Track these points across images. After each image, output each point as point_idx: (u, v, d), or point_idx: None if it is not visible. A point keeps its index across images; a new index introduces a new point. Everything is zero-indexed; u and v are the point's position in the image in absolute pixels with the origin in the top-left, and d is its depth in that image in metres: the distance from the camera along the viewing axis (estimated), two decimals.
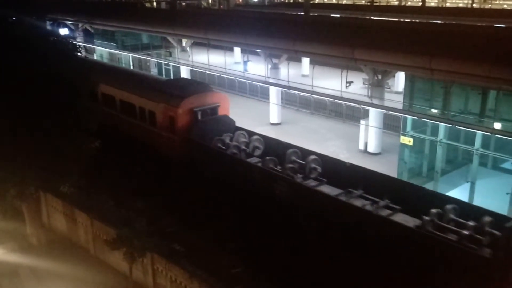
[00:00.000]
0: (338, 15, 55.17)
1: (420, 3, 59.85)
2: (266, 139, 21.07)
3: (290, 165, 18.11)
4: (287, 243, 16.54)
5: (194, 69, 39.21)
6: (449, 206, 14.04)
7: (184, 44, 41.59)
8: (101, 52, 50.84)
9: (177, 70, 42.84)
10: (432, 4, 76.49)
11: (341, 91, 28.22)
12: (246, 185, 18.66)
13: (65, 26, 51.07)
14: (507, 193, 21.00)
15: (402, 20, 45.62)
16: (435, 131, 25.06)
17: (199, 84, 24.85)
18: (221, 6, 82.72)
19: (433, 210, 13.87)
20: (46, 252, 21.11)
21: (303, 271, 15.41)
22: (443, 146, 24.41)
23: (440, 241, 13.12)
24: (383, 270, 13.85)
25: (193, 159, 21.09)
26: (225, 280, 15.83)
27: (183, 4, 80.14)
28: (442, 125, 23.97)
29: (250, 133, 21.57)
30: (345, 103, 30.88)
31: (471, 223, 13.35)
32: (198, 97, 21.90)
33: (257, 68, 35.82)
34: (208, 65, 36.95)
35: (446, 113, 23.43)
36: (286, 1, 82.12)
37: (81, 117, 19.74)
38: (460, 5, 75.01)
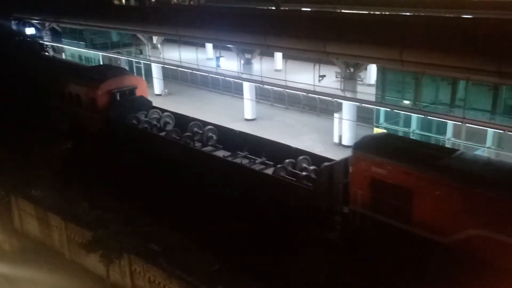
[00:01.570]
0: (309, 9, 55.39)
1: None
2: (176, 115, 24.90)
3: (187, 134, 22.09)
4: (188, 200, 19.36)
5: (165, 66, 38.82)
6: (300, 157, 18.50)
7: (154, 41, 41.09)
8: (70, 51, 49.85)
9: (148, 68, 42.32)
10: None
11: (314, 85, 28.34)
12: (155, 154, 21.65)
13: (31, 25, 49.96)
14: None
15: (372, 12, 46.06)
16: (407, 122, 25.46)
17: (118, 69, 29.53)
18: (191, 2, 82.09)
19: (286, 160, 18.31)
20: (20, 258, 20.64)
21: (203, 215, 18.54)
22: (416, 137, 24.80)
23: (284, 181, 17.46)
24: (259, 208, 17.89)
25: (112, 134, 24.03)
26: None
27: (153, 0, 79.20)
28: (414, 116, 24.36)
29: (163, 111, 25.34)
30: (318, 97, 31.04)
31: (311, 167, 18.22)
32: (116, 80, 25.03)
33: (230, 63, 35.66)
34: (180, 61, 36.61)
35: (417, 104, 23.80)
36: None
37: (51, 117, 19.37)
38: None
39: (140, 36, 41.28)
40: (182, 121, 23.97)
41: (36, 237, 21.93)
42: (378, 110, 26.18)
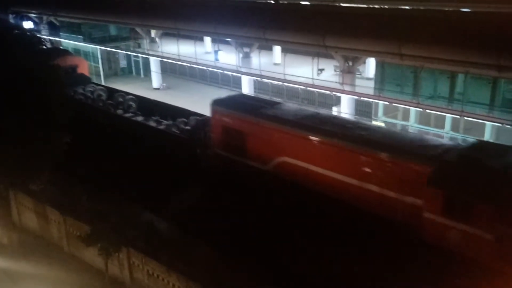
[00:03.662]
0: (308, 3, 55.20)
1: None
2: (109, 89, 31.35)
3: (109, 102, 27.86)
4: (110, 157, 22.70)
5: (164, 60, 38.72)
6: (192, 117, 24.62)
7: (153, 34, 40.95)
8: (67, 45, 49.70)
9: (146, 61, 42.21)
10: None
11: (312, 78, 28.30)
12: (85, 119, 24.70)
13: (29, 19, 49.77)
14: None
15: (371, 6, 45.92)
16: (406, 115, 25.45)
17: (61, 50, 36.76)
18: None
19: (179, 119, 24.90)
20: (18, 252, 20.62)
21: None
22: (414, 130, 24.82)
23: (170, 133, 24.70)
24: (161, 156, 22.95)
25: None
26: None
27: None
28: (412, 109, 24.35)
29: (98, 85, 31.75)
30: (317, 91, 31.01)
31: (192, 122, 24.27)
32: (59, 60, 26.19)
33: (228, 57, 35.57)
34: (178, 55, 36.50)
35: (416, 97, 23.79)
36: None
37: (51, 111, 19.30)
38: None
39: (138, 29, 41.14)
40: (113, 93, 30.82)
41: (34, 231, 21.92)
42: (377, 104, 26.17)
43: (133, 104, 28.94)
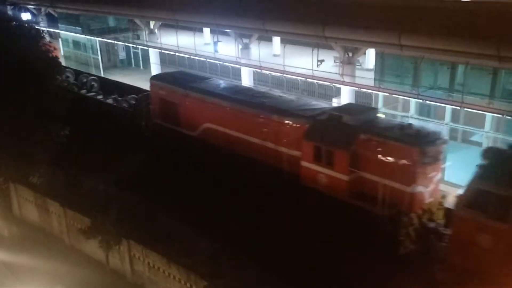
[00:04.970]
0: None
1: None
2: (76, 72, 37.12)
3: (74, 82, 31.06)
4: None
5: (163, 51, 38.54)
6: (141, 94, 27.66)
7: (152, 26, 40.72)
8: (66, 36, 49.47)
9: (145, 53, 42.02)
10: None
11: (312, 69, 28.18)
12: None
13: (27, 10, 49.44)
14: (477, 165, 21.52)
15: None
16: (406, 107, 25.39)
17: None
18: None
19: (129, 96, 30.75)
20: (19, 244, 20.69)
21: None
22: (414, 122, 24.76)
23: (118, 107, 30.36)
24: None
25: None
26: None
27: None
28: (412, 100, 24.27)
29: (67, 68, 35.79)
30: (317, 82, 30.90)
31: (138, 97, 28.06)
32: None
33: (227, 48, 35.40)
34: (178, 46, 36.33)
35: (416, 88, 23.72)
36: None
37: (49, 103, 19.27)
38: None
39: (137, 21, 40.91)
40: (79, 74, 36.29)
41: (35, 223, 21.97)
42: (377, 95, 26.08)
43: (95, 84, 34.57)
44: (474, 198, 13.78)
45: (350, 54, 27.01)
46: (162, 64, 42.16)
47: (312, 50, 28.69)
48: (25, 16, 46.67)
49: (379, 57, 25.51)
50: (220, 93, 22.31)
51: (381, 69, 25.47)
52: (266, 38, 33.69)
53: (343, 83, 26.72)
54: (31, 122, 18.76)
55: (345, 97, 27.65)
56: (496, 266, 13.35)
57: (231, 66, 35.74)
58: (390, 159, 16.34)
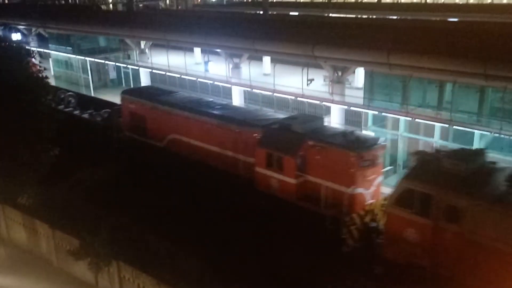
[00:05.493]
0: (297, 13, 55.57)
1: (376, 0, 60.98)
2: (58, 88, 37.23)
3: (50, 97, 27.13)
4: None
5: (153, 71, 38.66)
6: (114, 107, 29.84)
7: (142, 46, 40.93)
8: (57, 56, 49.50)
9: (136, 73, 42.12)
10: (388, 1, 77.89)
11: (302, 88, 28.39)
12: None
13: (17, 30, 49.51)
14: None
15: (359, 16, 46.38)
16: (395, 125, 25.57)
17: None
18: (179, 7, 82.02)
19: (102, 110, 31.74)
20: (7, 266, 20.34)
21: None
22: (404, 140, 24.94)
23: (91, 121, 32.13)
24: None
25: None
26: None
27: (140, 5, 78.99)
28: (402, 118, 24.48)
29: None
30: (307, 101, 31.09)
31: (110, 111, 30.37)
32: None
33: (218, 68, 35.62)
34: (168, 66, 36.49)
35: (405, 106, 23.94)
36: (245, 0, 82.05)
37: (39, 123, 19.18)
38: (415, 0, 76.76)
39: (128, 41, 41.11)
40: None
41: (23, 245, 21.64)
42: (367, 114, 26.28)
43: (72, 100, 35.55)
44: (401, 196, 14.94)
45: (340, 73, 27.27)
46: (153, 83, 42.26)
47: (302, 69, 28.95)
48: (16, 37, 46.73)
49: (368, 75, 25.78)
50: (184, 105, 23.97)
51: (370, 87, 25.72)
52: (256, 57, 33.97)
53: (332, 101, 26.91)
54: (19, 142, 18.63)
55: (335, 115, 27.82)
56: (423, 259, 14.57)
57: (221, 85, 35.90)
58: (332, 163, 17.96)
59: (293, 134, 19.26)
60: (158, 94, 26.20)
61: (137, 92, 27.55)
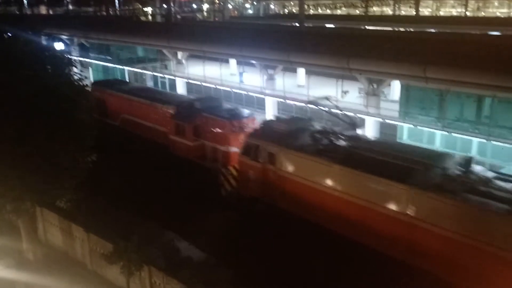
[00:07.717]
0: (333, 26, 55.50)
1: (414, 13, 60.30)
2: None
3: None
4: None
5: (189, 81, 39.27)
6: None
7: (179, 56, 41.71)
8: (97, 66, 50.97)
9: (172, 83, 42.88)
10: (426, 13, 76.91)
11: (337, 100, 28.24)
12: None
13: (61, 40, 51.25)
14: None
15: (396, 29, 45.89)
16: (431, 139, 25.11)
17: None
18: (216, 18, 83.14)
19: None
20: (42, 267, 20.91)
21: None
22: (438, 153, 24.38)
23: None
24: None
25: None
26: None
27: (178, 17, 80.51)
28: (438, 132, 24.02)
29: None
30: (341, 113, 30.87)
31: None
32: None
33: (253, 79, 35.89)
34: (204, 77, 37.01)
35: (442, 120, 23.49)
36: (281, 12, 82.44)
37: (79, 132, 19.69)
38: (454, 13, 75.49)
39: (165, 51, 41.97)
40: None
41: (59, 247, 22.23)
42: (402, 127, 25.92)
43: None
44: (245, 148, 22.53)
45: (375, 86, 27.04)
46: (189, 93, 42.92)
47: (337, 81, 28.84)
48: (59, 46, 48.37)
49: (404, 88, 25.45)
50: (131, 91, 33.35)
51: (406, 100, 25.35)
52: (290, 69, 34.06)
53: (367, 114, 26.67)
54: (60, 149, 19.15)
55: (370, 128, 27.55)
56: (258, 192, 21.94)
57: (255, 96, 36.13)
58: (215, 129, 26.26)
59: (194, 109, 27.71)
60: (117, 84, 36.04)
61: (103, 83, 37.66)
